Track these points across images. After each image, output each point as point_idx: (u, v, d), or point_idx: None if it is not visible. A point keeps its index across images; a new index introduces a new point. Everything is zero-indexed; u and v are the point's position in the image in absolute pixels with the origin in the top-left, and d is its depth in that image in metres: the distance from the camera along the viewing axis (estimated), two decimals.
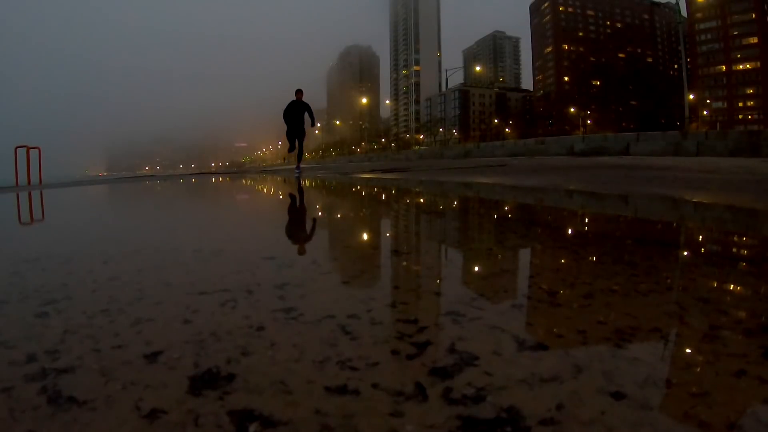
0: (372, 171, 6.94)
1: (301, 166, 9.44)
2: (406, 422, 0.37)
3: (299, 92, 9.33)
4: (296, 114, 8.84)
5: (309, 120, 9.15)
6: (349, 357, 0.48)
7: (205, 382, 0.44)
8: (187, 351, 0.51)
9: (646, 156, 9.94)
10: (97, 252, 1.23)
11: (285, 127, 8.70)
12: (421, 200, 2.66)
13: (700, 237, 1.34)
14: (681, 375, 0.44)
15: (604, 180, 3.36)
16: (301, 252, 1.16)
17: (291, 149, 9.25)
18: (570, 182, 3.22)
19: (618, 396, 0.39)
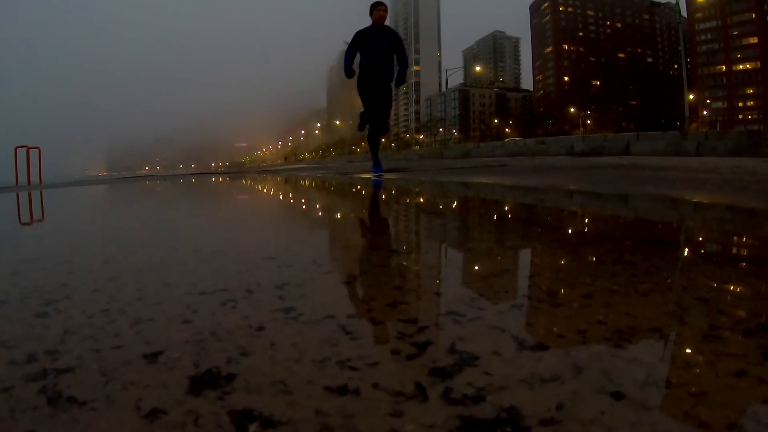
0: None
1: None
2: (406, 422, 0.37)
3: (379, 6, 4.61)
4: (379, 52, 4.55)
5: (398, 70, 4.68)
6: (349, 357, 0.48)
7: (205, 382, 0.44)
8: (187, 351, 0.51)
9: (646, 156, 9.94)
10: (98, 252, 1.23)
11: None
12: (422, 200, 2.66)
13: (700, 237, 1.34)
14: (681, 375, 0.44)
15: (604, 180, 3.36)
16: (301, 252, 1.16)
17: (371, 122, 4.86)
18: (570, 182, 3.22)
19: (618, 396, 0.39)
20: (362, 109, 5.09)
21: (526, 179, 3.65)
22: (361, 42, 4.70)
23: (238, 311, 0.64)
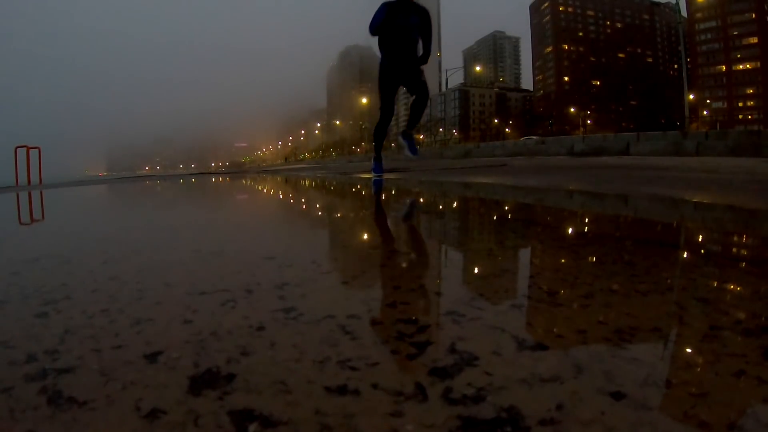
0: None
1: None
2: (406, 422, 0.37)
3: None
4: (407, 31, 4.14)
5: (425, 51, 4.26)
6: (349, 357, 0.48)
7: (205, 382, 0.44)
8: (187, 351, 0.51)
9: (646, 156, 9.94)
10: (98, 252, 1.23)
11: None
12: (422, 200, 2.66)
13: (700, 237, 1.34)
14: (681, 375, 0.44)
15: (605, 180, 3.36)
16: (301, 252, 1.16)
17: (386, 121, 4.46)
18: (570, 182, 3.22)
19: (618, 396, 0.39)
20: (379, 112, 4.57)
21: (526, 179, 3.65)
22: (389, 17, 4.09)
23: (238, 311, 0.64)
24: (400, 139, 4.75)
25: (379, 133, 4.89)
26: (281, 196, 3.57)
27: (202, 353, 0.50)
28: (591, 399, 0.39)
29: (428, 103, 4.66)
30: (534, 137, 25.91)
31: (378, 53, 4.63)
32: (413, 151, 4.73)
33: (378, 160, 4.97)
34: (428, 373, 0.44)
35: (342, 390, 0.42)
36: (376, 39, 4.45)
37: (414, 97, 4.51)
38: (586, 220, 1.70)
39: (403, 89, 4.61)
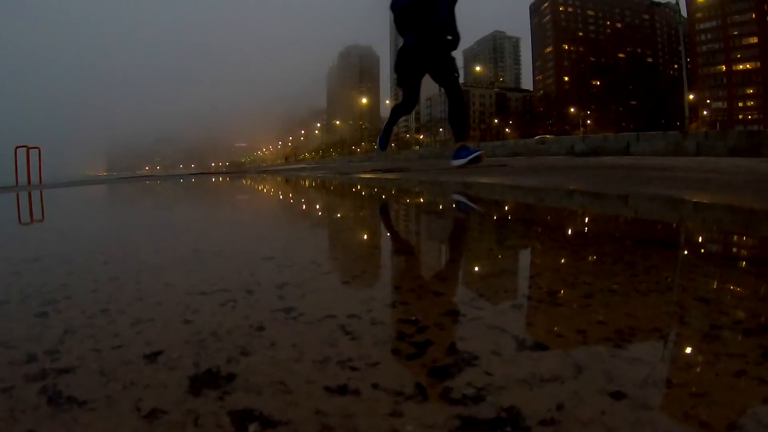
0: (372, 171, 6.90)
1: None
2: (406, 422, 0.37)
3: None
4: (438, 10, 3.82)
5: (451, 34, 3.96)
6: (349, 357, 0.48)
7: (205, 382, 0.44)
8: (187, 351, 0.51)
9: (646, 156, 9.94)
10: (98, 252, 1.23)
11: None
12: (421, 200, 2.66)
13: (700, 237, 1.34)
14: (681, 375, 0.44)
15: (606, 180, 3.36)
16: (301, 252, 1.16)
17: (408, 108, 4.24)
18: (570, 182, 3.22)
19: (618, 396, 0.39)
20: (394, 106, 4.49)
21: (526, 179, 3.65)
22: None
23: (238, 311, 0.64)
24: (456, 162, 4.31)
25: (396, 114, 4.62)
26: (281, 197, 3.57)
27: (202, 353, 0.50)
28: (591, 399, 0.39)
29: (466, 107, 4.20)
30: (548, 136, 25.74)
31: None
32: (473, 152, 4.28)
33: (387, 132, 4.73)
34: (428, 373, 0.44)
35: (342, 390, 0.42)
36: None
37: (448, 102, 4.22)
38: (586, 220, 1.70)
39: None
